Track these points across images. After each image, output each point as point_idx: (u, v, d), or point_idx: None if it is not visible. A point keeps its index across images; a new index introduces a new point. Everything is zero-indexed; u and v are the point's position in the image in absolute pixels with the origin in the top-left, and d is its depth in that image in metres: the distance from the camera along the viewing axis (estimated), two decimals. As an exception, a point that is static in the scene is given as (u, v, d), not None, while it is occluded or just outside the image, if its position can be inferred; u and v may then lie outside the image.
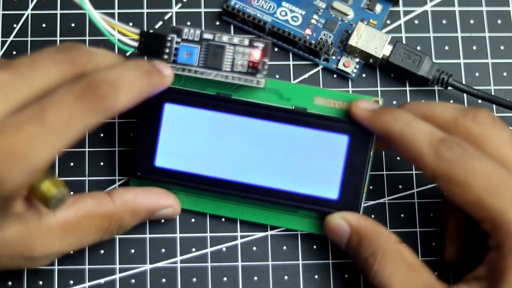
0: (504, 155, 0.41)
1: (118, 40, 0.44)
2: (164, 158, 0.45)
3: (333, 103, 0.45)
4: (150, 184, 0.45)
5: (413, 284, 0.41)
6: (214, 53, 0.44)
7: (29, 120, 0.35)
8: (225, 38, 0.44)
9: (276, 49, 0.50)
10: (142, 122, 0.45)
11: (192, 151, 0.45)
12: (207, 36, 0.44)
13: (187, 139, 0.45)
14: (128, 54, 0.49)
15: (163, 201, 0.44)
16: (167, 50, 0.44)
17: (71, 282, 0.46)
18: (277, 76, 0.49)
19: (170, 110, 0.45)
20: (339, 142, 0.44)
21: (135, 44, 0.44)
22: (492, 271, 0.40)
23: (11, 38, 0.49)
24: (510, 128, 0.48)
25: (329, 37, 0.49)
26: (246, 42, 0.44)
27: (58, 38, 0.49)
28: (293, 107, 0.45)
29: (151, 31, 0.44)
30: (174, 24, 0.50)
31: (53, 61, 0.38)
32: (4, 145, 0.35)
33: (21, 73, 0.37)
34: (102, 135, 0.48)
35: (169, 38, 0.44)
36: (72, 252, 0.46)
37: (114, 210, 0.42)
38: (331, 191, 0.44)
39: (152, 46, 0.44)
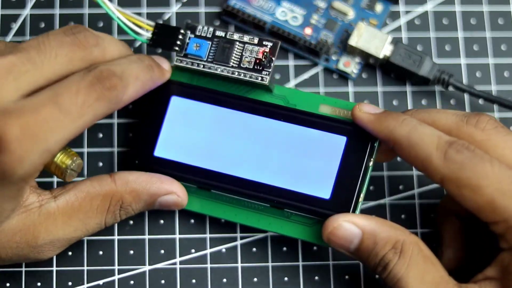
0: (510, 160, 0.40)
1: (132, 30, 0.44)
2: (163, 149, 0.45)
3: (337, 112, 0.45)
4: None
5: (430, 277, 0.40)
6: (223, 48, 0.45)
7: (46, 103, 0.36)
8: (236, 36, 0.45)
9: (276, 49, 0.50)
10: (147, 113, 0.45)
11: (192, 144, 0.45)
12: (219, 33, 0.45)
13: (189, 132, 0.45)
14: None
15: (166, 186, 0.44)
16: (179, 42, 0.45)
17: (70, 283, 0.46)
18: (278, 77, 0.49)
19: (176, 103, 0.45)
20: (337, 143, 0.44)
21: (149, 35, 0.45)
22: (505, 272, 0.39)
23: (9, 38, 0.49)
24: (512, 128, 0.48)
25: (329, 37, 0.49)
26: (256, 40, 0.44)
27: (56, 38, 0.49)
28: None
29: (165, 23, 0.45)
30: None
31: (60, 43, 0.39)
32: (22, 125, 0.36)
33: (29, 56, 0.38)
34: (101, 135, 0.48)
35: (182, 31, 0.45)
36: (70, 253, 0.46)
37: (114, 189, 0.42)
38: (324, 191, 0.43)
39: (164, 38, 0.45)
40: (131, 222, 0.46)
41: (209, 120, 0.45)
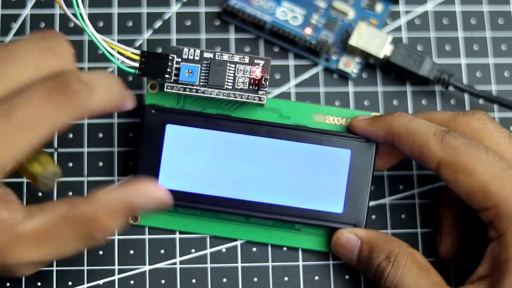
0: (504, 149, 0.41)
1: (120, 61, 0.44)
2: (167, 179, 0.44)
3: (332, 120, 0.46)
4: None
5: (424, 282, 0.41)
6: (215, 71, 0.44)
7: None
8: (225, 56, 0.44)
9: (276, 49, 0.50)
10: (143, 144, 0.45)
11: (195, 171, 0.45)
12: (208, 55, 0.44)
13: (190, 159, 0.45)
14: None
15: (144, 195, 0.39)
16: (168, 70, 0.44)
17: (70, 283, 0.46)
18: (278, 77, 0.49)
19: (172, 131, 0.45)
20: (342, 157, 0.45)
21: (136, 64, 0.44)
22: (496, 263, 0.40)
23: (9, 38, 0.49)
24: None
25: (330, 37, 0.49)
26: (247, 59, 0.44)
27: (57, 38, 0.49)
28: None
29: (151, 51, 0.44)
30: (175, 24, 0.50)
31: (31, 50, 0.37)
32: None
33: None
34: (101, 135, 0.48)
35: (170, 58, 0.44)
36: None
37: (92, 213, 0.38)
38: (336, 205, 0.45)
39: (152, 66, 0.44)
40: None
41: (209, 145, 0.45)
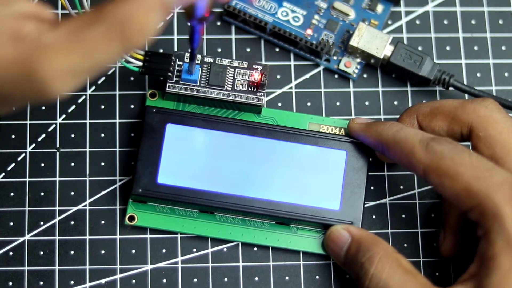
0: (506, 139, 0.42)
1: (124, 60, 0.45)
2: (166, 175, 0.45)
3: (326, 129, 0.47)
4: (152, 202, 0.46)
5: (411, 285, 0.41)
6: (216, 72, 0.46)
7: None
8: (225, 61, 0.46)
9: (277, 49, 0.50)
10: (144, 141, 0.46)
11: (194, 169, 0.45)
12: (208, 59, 0.46)
13: (189, 157, 0.46)
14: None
15: None
16: (171, 68, 0.45)
17: (72, 282, 0.46)
18: (278, 77, 0.49)
19: (172, 130, 0.46)
20: (338, 157, 0.46)
21: (139, 63, 0.45)
22: (482, 261, 0.40)
23: (12, 38, 0.49)
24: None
25: (330, 37, 0.49)
26: (245, 65, 0.46)
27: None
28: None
29: (154, 51, 0.46)
30: (175, 24, 0.50)
31: None
32: None
33: None
34: (103, 135, 0.48)
35: (173, 58, 0.45)
36: (72, 252, 0.46)
37: (126, 11, 0.35)
38: (333, 202, 0.45)
39: (156, 64, 0.45)
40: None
41: (208, 144, 0.46)
